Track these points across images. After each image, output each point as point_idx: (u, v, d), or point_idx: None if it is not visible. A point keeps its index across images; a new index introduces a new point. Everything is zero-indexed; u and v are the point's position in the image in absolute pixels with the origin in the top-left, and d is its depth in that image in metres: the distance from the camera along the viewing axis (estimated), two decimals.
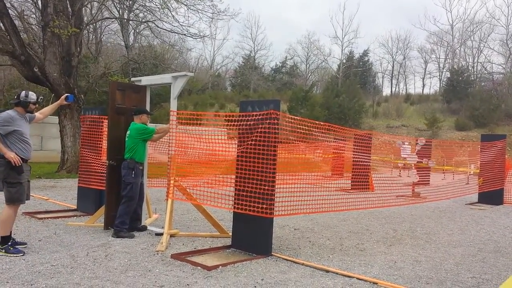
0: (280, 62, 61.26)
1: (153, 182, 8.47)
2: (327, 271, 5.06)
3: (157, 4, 19.63)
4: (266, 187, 5.47)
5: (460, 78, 46.28)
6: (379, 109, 47.18)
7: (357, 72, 53.61)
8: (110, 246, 5.84)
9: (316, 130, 6.60)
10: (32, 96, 5.54)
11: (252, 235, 5.70)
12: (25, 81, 19.00)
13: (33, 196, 9.64)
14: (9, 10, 15.04)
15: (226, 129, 6.94)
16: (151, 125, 7.15)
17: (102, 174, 7.73)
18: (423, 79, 58.99)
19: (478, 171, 12.68)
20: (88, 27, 22.97)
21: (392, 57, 59.58)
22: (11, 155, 5.19)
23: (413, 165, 13.06)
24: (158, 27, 21.80)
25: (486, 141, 12.53)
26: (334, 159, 14.73)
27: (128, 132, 6.67)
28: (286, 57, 61.03)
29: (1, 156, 5.23)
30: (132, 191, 6.50)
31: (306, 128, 6.31)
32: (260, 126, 5.57)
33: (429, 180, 14.68)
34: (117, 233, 6.35)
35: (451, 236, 7.48)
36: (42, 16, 15.48)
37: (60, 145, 16.05)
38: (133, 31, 33.49)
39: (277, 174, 5.62)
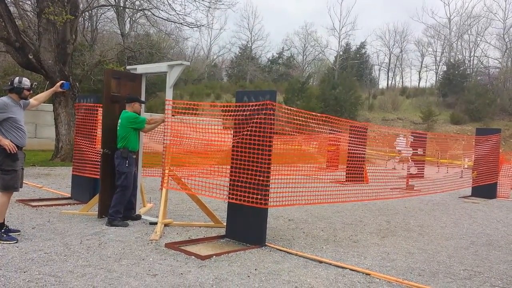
0: (277, 53, 61.11)
1: (147, 171, 8.44)
2: (321, 262, 5.08)
3: None
4: (261, 178, 5.47)
5: (456, 72, 46.35)
6: (375, 101, 47.22)
7: (353, 64, 53.51)
8: (104, 234, 5.83)
9: (312, 121, 6.59)
10: (26, 82, 5.49)
11: (246, 225, 5.71)
12: (20, 68, 18.84)
13: (27, 183, 9.60)
14: None
15: (221, 119, 6.92)
16: (146, 115, 7.11)
17: (96, 163, 7.71)
18: (420, 72, 59.09)
19: (472, 164, 12.74)
20: (83, 14, 22.76)
21: (389, 50, 59.58)
22: (6, 142, 5.16)
23: (409, 158, 13.09)
24: (154, 15, 21.63)
25: (480, 135, 12.58)
26: (330, 150, 14.74)
27: (119, 121, 6.63)
28: (283, 48, 60.90)
29: None
30: (127, 180, 6.48)
31: (303, 119, 6.29)
32: (256, 116, 5.55)
33: (423, 173, 14.74)
34: (111, 222, 6.34)
35: (444, 229, 7.53)
36: (38, 3, 15.31)
37: (55, 133, 15.98)
38: (129, 19, 33.27)
39: (272, 165, 5.62)
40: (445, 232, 7.30)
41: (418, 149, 13.09)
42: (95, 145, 8.21)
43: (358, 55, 56.54)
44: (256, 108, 5.60)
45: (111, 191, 6.62)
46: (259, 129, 5.50)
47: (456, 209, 9.96)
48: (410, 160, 13.02)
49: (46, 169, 13.49)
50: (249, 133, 5.57)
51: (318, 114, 6.73)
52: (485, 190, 12.00)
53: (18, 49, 14.44)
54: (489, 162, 12.11)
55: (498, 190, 12.37)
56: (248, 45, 59.15)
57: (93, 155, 8.03)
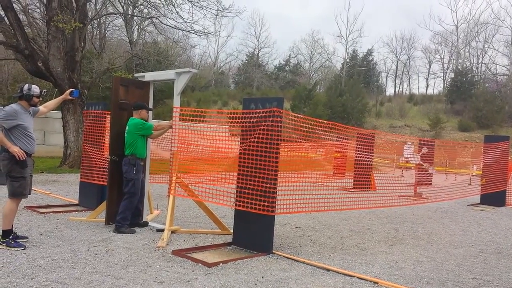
0: (283, 60, 61.32)
1: (155, 178, 8.46)
2: (328, 270, 5.05)
3: (161, 0, 19.63)
4: (268, 185, 5.46)
5: (464, 79, 46.16)
6: (382, 109, 47.09)
7: (360, 72, 53.49)
8: (111, 241, 5.84)
9: (319, 128, 6.57)
10: (35, 89, 5.52)
11: (253, 233, 5.69)
12: (29, 76, 19.04)
13: (35, 190, 9.66)
14: (14, 4, 15.04)
15: (229, 126, 6.93)
16: (153, 121, 7.14)
17: (104, 170, 7.74)
18: (427, 79, 58.92)
19: (480, 172, 12.63)
20: (92, 22, 22.99)
21: (396, 57, 59.53)
22: (15, 149, 5.19)
23: (414, 165, 13.02)
24: (162, 23, 21.76)
25: (489, 142, 12.48)
26: (337, 158, 14.70)
27: (126, 128, 6.66)
28: (289, 55, 61.13)
29: (5, 150, 5.24)
30: (134, 187, 6.50)
31: (309, 126, 6.28)
32: (263, 123, 5.55)
33: (431, 181, 14.64)
34: (118, 229, 6.35)
35: (453, 237, 7.46)
36: (47, 11, 15.49)
37: (63, 140, 16.08)
38: (137, 27, 33.49)
39: (279, 172, 5.61)
40: (454, 240, 7.23)
41: (426, 164, 12.98)
42: (103, 152, 8.25)
43: (365, 62, 56.56)
44: (263, 115, 5.60)
45: (119, 198, 6.64)
46: (266, 136, 5.50)
47: (464, 217, 9.88)
48: (414, 168, 12.95)
49: (54, 176, 13.57)
50: (256, 140, 5.57)
51: (325, 121, 6.72)
52: (494, 197, 11.88)
53: (27, 57, 14.60)
54: (497, 169, 12.00)
55: (507, 198, 12.24)
56: (255, 53, 59.42)
57: (101, 162, 8.07)
